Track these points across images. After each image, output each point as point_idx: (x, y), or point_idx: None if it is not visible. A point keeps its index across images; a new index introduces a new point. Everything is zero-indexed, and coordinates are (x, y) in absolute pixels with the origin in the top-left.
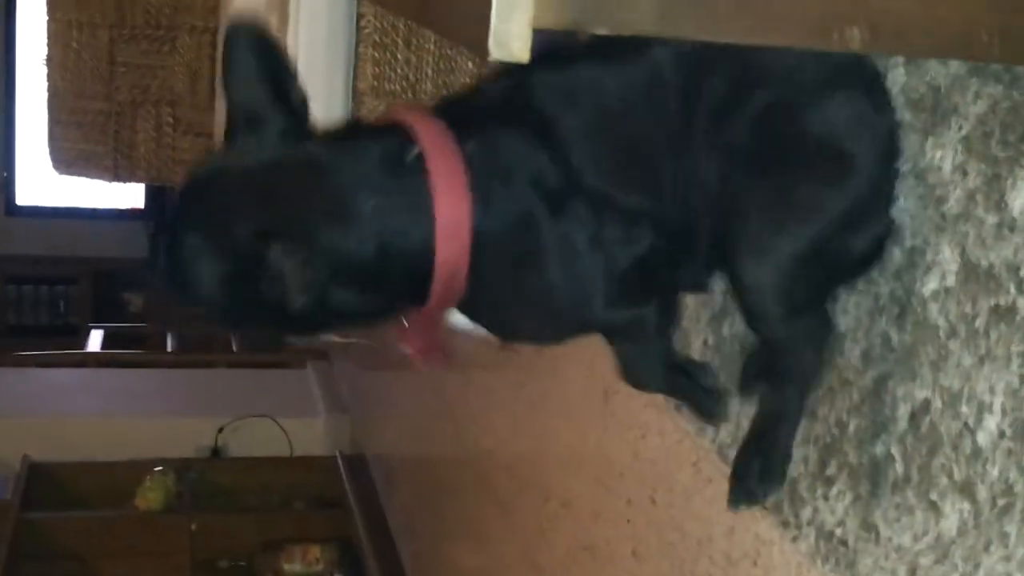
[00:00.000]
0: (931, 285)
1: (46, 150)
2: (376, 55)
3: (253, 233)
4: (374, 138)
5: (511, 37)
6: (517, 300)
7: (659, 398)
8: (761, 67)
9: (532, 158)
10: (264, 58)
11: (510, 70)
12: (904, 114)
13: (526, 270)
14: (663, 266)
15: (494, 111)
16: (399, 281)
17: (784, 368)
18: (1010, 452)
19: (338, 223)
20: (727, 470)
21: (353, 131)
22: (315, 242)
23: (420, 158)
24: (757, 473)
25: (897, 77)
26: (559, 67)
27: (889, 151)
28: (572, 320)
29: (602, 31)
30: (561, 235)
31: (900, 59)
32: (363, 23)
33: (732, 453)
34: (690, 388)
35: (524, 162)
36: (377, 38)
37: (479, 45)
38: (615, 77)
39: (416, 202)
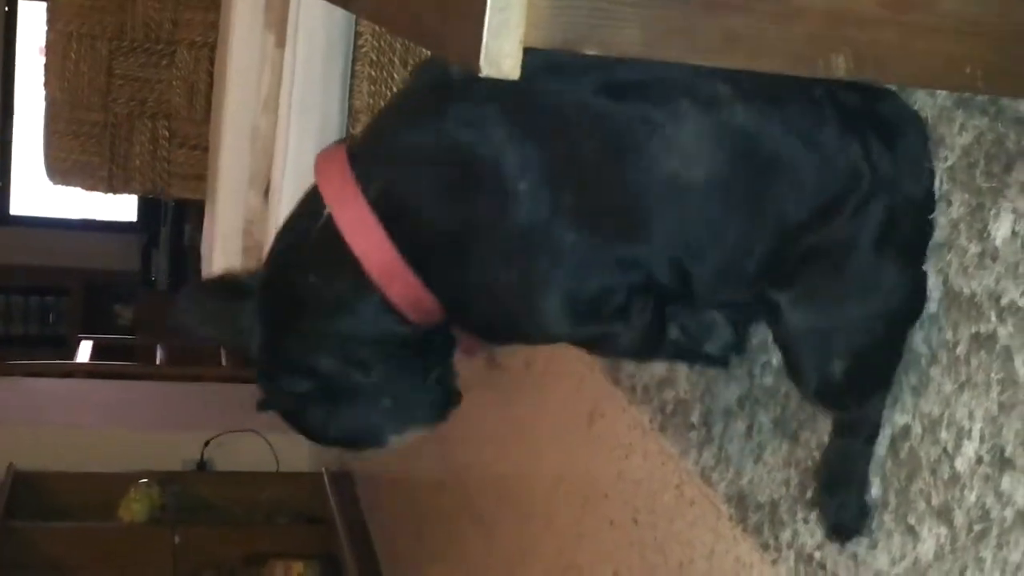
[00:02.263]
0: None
1: (41, 160)
2: (373, 73)
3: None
4: (299, 217)
5: (502, 55)
6: (479, 312)
7: (643, 421)
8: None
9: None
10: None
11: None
12: None
13: (475, 286)
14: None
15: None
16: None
17: (850, 422)
18: (987, 478)
19: (310, 317)
20: (710, 492)
21: (289, 219)
22: (311, 341)
23: (329, 219)
24: (852, 512)
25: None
26: (547, 87)
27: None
28: (533, 333)
29: (591, 51)
30: (497, 255)
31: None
32: (360, 42)
33: (715, 476)
34: (693, 356)
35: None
36: (374, 56)
37: (471, 62)
38: (626, 115)
39: (344, 262)
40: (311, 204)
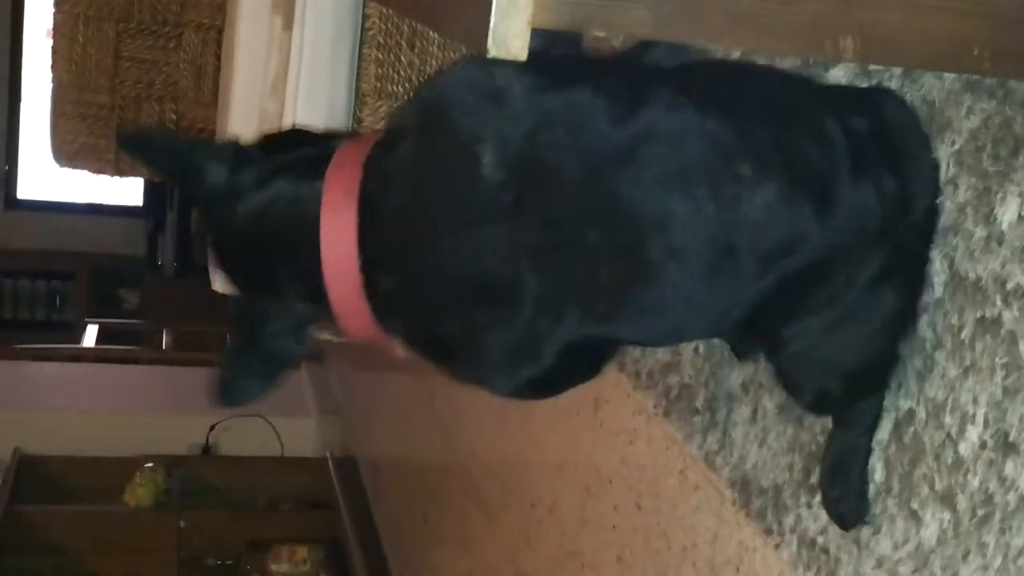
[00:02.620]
0: (921, 297)
1: (48, 142)
2: (380, 56)
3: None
4: (292, 180)
5: (510, 36)
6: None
7: (648, 406)
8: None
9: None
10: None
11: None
12: None
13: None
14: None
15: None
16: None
17: (851, 415)
18: (991, 463)
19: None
20: (713, 477)
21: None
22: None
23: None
24: (853, 501)
25: (892, 82)
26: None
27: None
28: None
29: (599, 32)
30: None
31: (896, 71)
32: (368, 24)
33: (719, 461)
34: None
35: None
36: (381, 39)
37: (478, 43)
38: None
39: (314, 255)
40: (314, 175)
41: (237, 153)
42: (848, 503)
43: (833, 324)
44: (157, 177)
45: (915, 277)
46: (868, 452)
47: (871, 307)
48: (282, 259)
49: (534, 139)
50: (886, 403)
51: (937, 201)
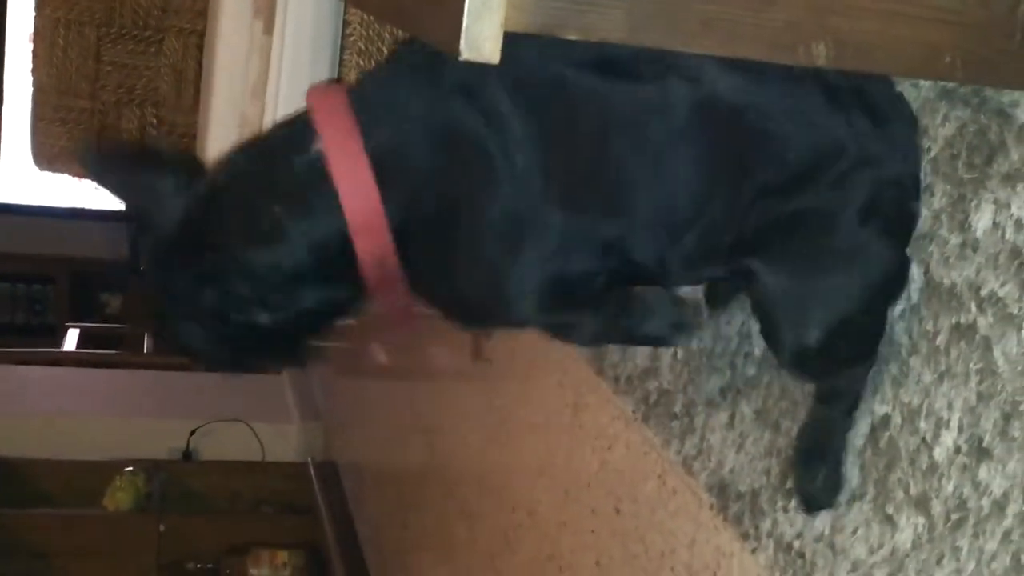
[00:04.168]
0: (897, 304)
1: (28, 146)
2: (361, 62)
3: (191, 286)
4: (277, 143)
5: (483, 39)
6: (449, 287)
7: (627, 411)
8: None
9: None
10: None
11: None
12: None
13: (452, 260)
14: (607, 284)
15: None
16: (335, 277)
17: (831, 390)
18: (965, 468)
19: (253, 242)
20: (692, 482)
21: (261, 140)
22: (240, 266)
23: (320, 157)
24: (821, 484)
25: None
26: (543, 61)
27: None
28: (502, 316)
29: (573, 36)
30: (482, 232)
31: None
32: (348, 31)
33: (697, 466)
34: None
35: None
36: (362, 45)
37: (451, 46)
38: (619, 92)
39: (322, 203)
40: (298, 135)
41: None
42: (820, 484)
43: (813, 262)
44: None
45: (897, 234)
46: (845, 432)
47: (852, 251)
48: (293, 227)
49: (521, 69)
50: (861, 407)
51: (919, 172)
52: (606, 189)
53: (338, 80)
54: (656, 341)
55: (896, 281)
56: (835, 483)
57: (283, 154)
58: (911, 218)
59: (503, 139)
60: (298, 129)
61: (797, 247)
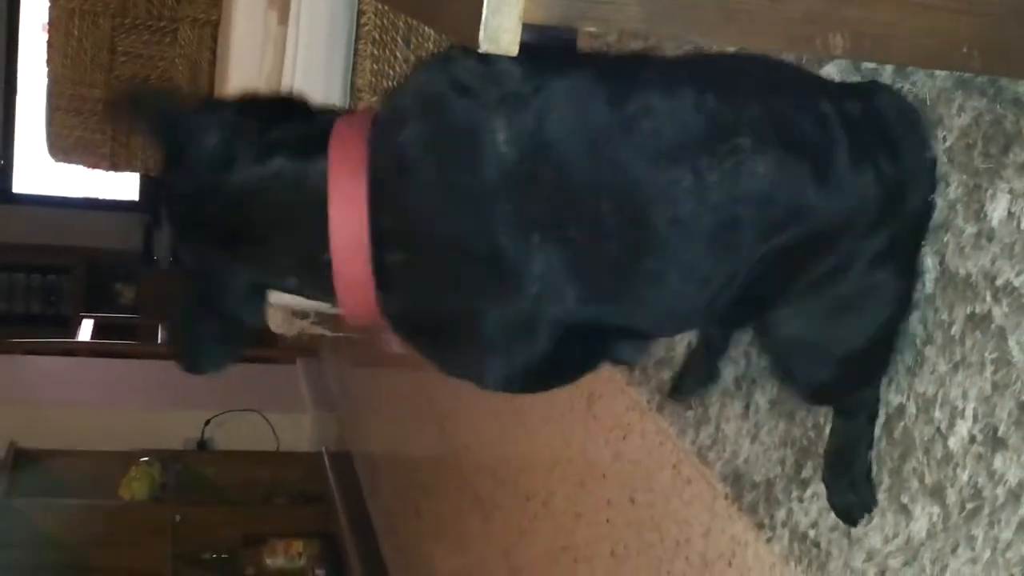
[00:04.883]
0: (916, 285)
1: (44, 137)
2: (376, 52)
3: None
4: (292, 157)
5: (501, 31)
6: (432, 351)
7: (641, 401)
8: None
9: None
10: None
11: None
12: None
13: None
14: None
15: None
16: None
17: (850, 403)
18: (980, 457)
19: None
20: (706, 472)
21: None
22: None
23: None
24: (855, 495)
25: (884, 79)
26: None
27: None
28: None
29: (590, 28)
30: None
31: (888, 68)
32: (363, 20)
33: (712, 455)
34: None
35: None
36: (377, 35)
37: (470, 37)
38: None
39: (316, 231)
40: (315, 152)
41: (234, 122)
42: (853, 494)
43: (828, 309)
44: (145, 135)
45: (911, 264)
46: (871, 442)
47: (867, 292)
48: (280, 234)
49: (541, 118)
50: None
51: (933, 194)
52: (623, 282)
53: (353, 71)
54: (624, 363)
55: (908, 300)
56: (868, 492)
57: (298, 165)
58: (927, 225)
59: (524, 247)
60: (318, 144)
61: (818, 299)
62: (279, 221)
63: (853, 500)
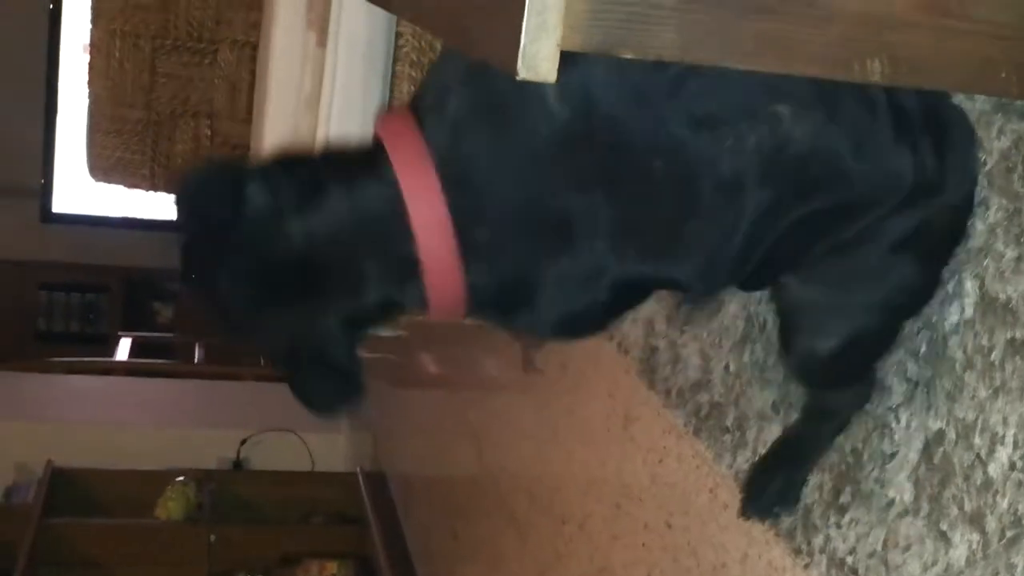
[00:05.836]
0: (951, 318)
1: (84, 157)
2: (413, 73)
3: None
4: (343, 175)
5: (539, 59)
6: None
7: (678, 424)
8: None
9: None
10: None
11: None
12: None
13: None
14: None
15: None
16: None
17: (824, 406)
18: (1020, 484)
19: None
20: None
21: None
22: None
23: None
24: (777, 493)
25: None
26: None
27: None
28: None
29: (627, 55)
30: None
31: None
32: (401, 42)
33: None
34: None
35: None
36: (414, 57)
37: (508, 65)
38: (697, 142)
39: (397, 231)
40: (366, 161)
41: (270, 173)
42: (772, 490)
43: (842, 278)
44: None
45: (932, 263)
46: (821, 452)
47: (883, 274)
48: (360, 251)
49: (587, 77)
50: (914, 422)
51: (971, 206)
52: (671, 236)
53: (391, 93)
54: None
55: (921, 299)
56: (791, 499)
57: (362, 190)
58: (959, 237)
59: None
60: (374, 162)
61: (835, 266)
62: (357, 237)
63: (769, 496)
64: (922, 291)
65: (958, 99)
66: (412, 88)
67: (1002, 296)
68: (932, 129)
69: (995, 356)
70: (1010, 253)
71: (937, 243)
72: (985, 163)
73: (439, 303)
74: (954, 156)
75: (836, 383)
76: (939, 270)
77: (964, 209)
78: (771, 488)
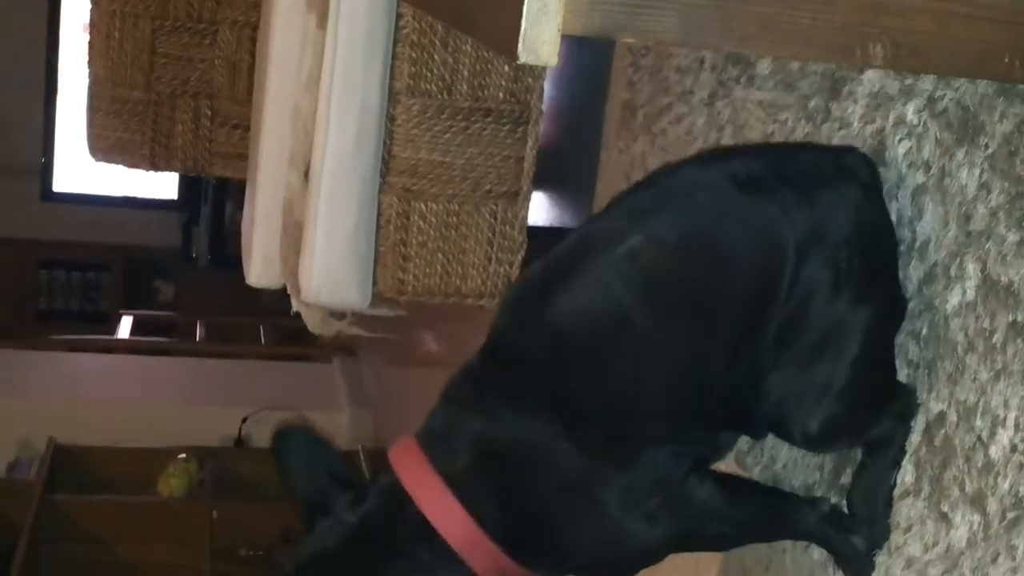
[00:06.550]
0: (953, 301)
1: (84, 137)
2: (414, 55)
3: None
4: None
5: (540, 42)
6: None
7: None
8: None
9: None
10: (312, 452)
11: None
12: (933, 130)
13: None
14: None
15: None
16: None
17: (872, 441)
18: (1021, 466)
19: None
20: (743, 475)
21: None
22: None
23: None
24: (864, 539)
25: (925, 86)
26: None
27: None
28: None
29: (629, 39)
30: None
31: (931, 76)
32: (401, 23)
33: (749, 460)
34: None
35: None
36: (415, 38)
37: (509, 49)
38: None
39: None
40: (391, 496)
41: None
42: (859, 540)
43: (807, 355)
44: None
45: (867, 292)
46: (890, 484)
47: (839, 326)
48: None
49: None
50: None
51: (874, 211)
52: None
53: (391, 74)
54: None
55: (893, 321)
56: (879, 536)
57: (385, 516)
58: (885, 258)
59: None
60: (390, 491)
61: (785, 352)
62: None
63: (867, 533)
64: (873, 321)
65: (960, 82)
66: (412, 69)
67: (1004, 279)
68: (791, 182)
69: (996, 339)
70: (1012, 236)
71: (857, 274)
72: (987, 147)
73: None
74: (824, 191)
75: (876, 421)
76: (875, 292)
77: (859, 234)
78: (860, 539)
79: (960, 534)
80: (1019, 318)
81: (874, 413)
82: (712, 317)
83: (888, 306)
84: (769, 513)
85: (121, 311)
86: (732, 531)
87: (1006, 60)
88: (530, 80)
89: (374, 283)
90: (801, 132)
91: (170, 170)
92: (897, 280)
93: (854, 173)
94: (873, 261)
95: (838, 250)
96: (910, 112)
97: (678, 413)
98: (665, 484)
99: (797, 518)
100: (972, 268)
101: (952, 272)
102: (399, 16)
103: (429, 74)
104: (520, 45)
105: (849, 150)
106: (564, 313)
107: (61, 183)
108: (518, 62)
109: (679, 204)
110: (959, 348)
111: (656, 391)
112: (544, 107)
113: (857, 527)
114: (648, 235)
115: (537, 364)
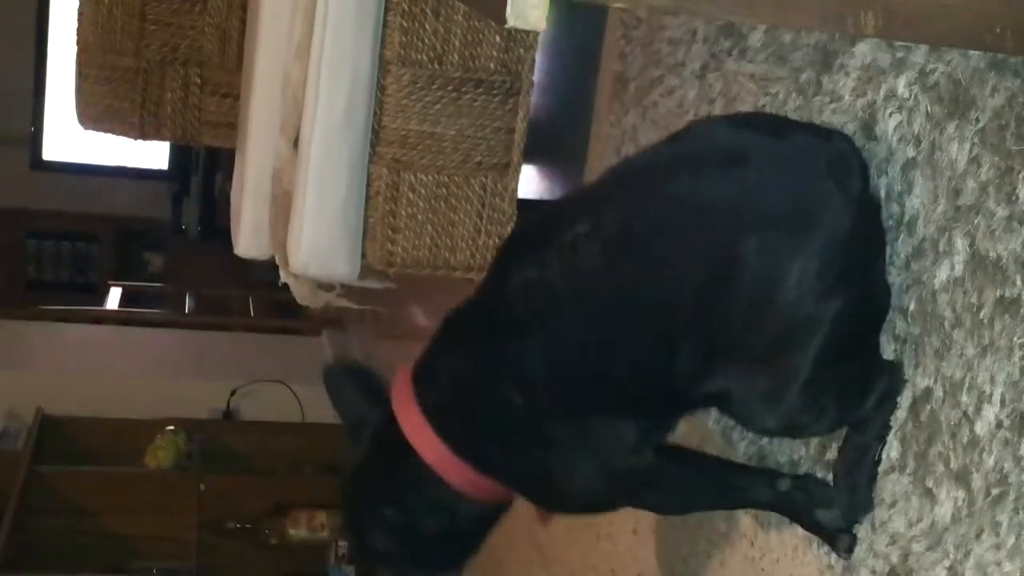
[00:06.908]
0: (941, 276)
1: (73, 105)
2: (404, 24)
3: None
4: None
5: (529, 7)
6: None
7: None
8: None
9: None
10: (354, 378)
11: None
12: (924, 104)
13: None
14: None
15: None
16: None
17: (860, 417)
18: (1007, 442)
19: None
20: (731, 452)
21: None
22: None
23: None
24: (843, 508)
25: (917, 59)
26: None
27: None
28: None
29: (618, 5)
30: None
31: (923, 47)
32: None
33: (735, 435)
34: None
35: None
36: (406, 7)
37: (497, 14)
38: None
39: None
40: (387, 423)
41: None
42: (847, 499)
43: (772, 345)
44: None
45: (838, 286)
46: (874, 458)
47: (807, 319)
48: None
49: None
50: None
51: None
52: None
53: (382, 43)
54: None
55: (865, 317)
56: (859, 510)
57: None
58: (867, 252)
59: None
60: (388, 422)
61: (751, 345)
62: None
63: (845, 507)
64: (840, 312)
65: (952, 54)
66: (403, 38)
67: (992, 254)
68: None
69: (984, 314)
70: (1001, 211)
71: (829, 272)
72: (978, 121)
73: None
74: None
75: (819, 425)
76: (863, 288)
77: (837, 225)
78: (848, 498)
79: (944, 510)
80: (1007, 293)
81: (848, 403)
82: (671, 284)
83: (859, 305)
84: (715, 478)
85: (110, 282)
86: (674, 489)
87: (998, 31)
88: (521, 51)
89: (363, 255)
90: (792, 105)
91: (159, 139)
92: (876, 278)
93: (844, 162)
94: (853, 257)
95: (816, 249)
96: (901, 85)
97: (631, 379)
98: (610, 438)
99: (745, 486)
100: (961, 243)
101: (941, 247)
102: None
103: (420, 43)
104: (508, 9)
105: (841, 136)
106: (536, 273)
107: (51, 152)
108: (507, 26)
109: (638, 185)
110: (946, 323)
111: (611, 357)
112: (535, 79)
113: (834, 502)
114: (605, 219)
115: (511, 317)
